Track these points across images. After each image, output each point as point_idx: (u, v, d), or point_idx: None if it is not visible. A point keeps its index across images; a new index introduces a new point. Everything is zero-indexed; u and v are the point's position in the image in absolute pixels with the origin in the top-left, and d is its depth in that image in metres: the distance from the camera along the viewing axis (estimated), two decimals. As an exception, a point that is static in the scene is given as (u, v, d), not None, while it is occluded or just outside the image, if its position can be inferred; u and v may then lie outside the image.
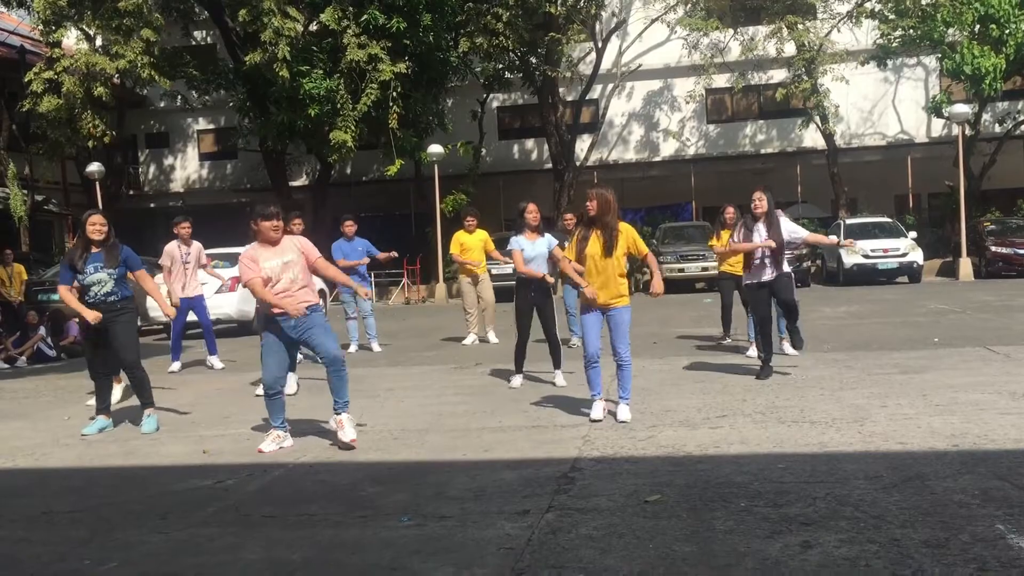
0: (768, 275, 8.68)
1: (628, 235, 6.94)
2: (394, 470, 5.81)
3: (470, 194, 27.57)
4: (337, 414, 6.64)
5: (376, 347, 12.72)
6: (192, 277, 11.48)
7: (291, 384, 9.12)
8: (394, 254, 13.16)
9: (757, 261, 8.68)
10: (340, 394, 6.61)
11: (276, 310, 6.48)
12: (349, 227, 12.59)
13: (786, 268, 8.80)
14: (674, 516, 4.49)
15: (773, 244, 8.60)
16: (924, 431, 6.03)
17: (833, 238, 8.91)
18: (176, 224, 11.54)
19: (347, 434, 6.52)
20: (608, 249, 6.81)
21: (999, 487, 4.70)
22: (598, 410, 7.00)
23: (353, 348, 12.42)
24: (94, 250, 7.46)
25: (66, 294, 7.48)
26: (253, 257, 6.56)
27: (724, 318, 11.64)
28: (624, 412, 6.90)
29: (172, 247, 11.43)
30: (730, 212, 11.09)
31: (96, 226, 7.47)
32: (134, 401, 8.00)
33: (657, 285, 7.08)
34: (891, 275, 23.33)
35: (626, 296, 6.93)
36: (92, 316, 7.32)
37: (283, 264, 6.51)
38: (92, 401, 7.98)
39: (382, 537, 4.44)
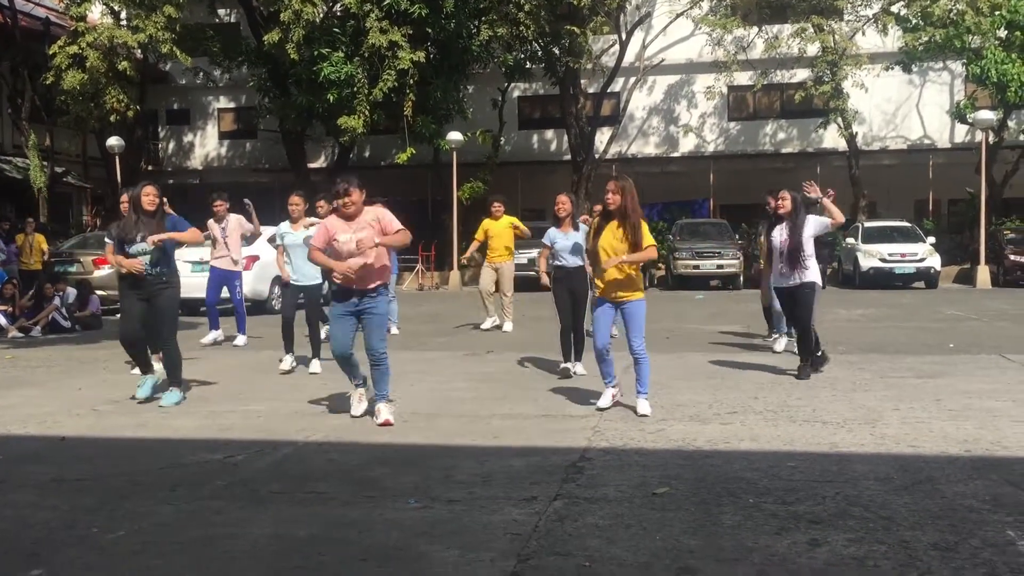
0: (791, 280, 8.40)
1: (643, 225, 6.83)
2: (403, 452, 5.82)
3: (488, 183, 27.53)
4: (376, 403, 6.70)
5: (395, 330, 12.73)
6: (234, 251, 11.54)
7: (315, 365, 9.17)
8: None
9: (778, 265, 8.48)
10: (378, 387, 6.69)
11: (337, 278, 6.53)
12: None
13: (811, 276, 8.38)
14: (682, 509, 4.48)
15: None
16: (937, 435, 5.99)
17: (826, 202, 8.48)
18: (212, 202, 11.60)
19: (380, 417, 6.58)
20: (624, 241, 6.73)
21: (1011, 493, 4.66)
22: (606, 398, 6.97)
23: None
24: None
25: (110, 253, 8.02)
26: (329, 227, 6.68)
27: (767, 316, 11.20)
28: (644, 406, 6.80)
29: (210, 224, 11.55)
30: None
31: (150, 196, 7.55)
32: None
33: (610, 263, 6.69)
34: (908, 280, 23.18)
35: (640, 290, 6.88)
36: (129, 264, 7.40)
37: (356, 240, 6.48)
38: (136, 371, 8.15)
39: (389, 518, 4.44)
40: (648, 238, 6.82)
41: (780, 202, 8.48)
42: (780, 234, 8.47)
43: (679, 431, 6.24)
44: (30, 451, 6.06)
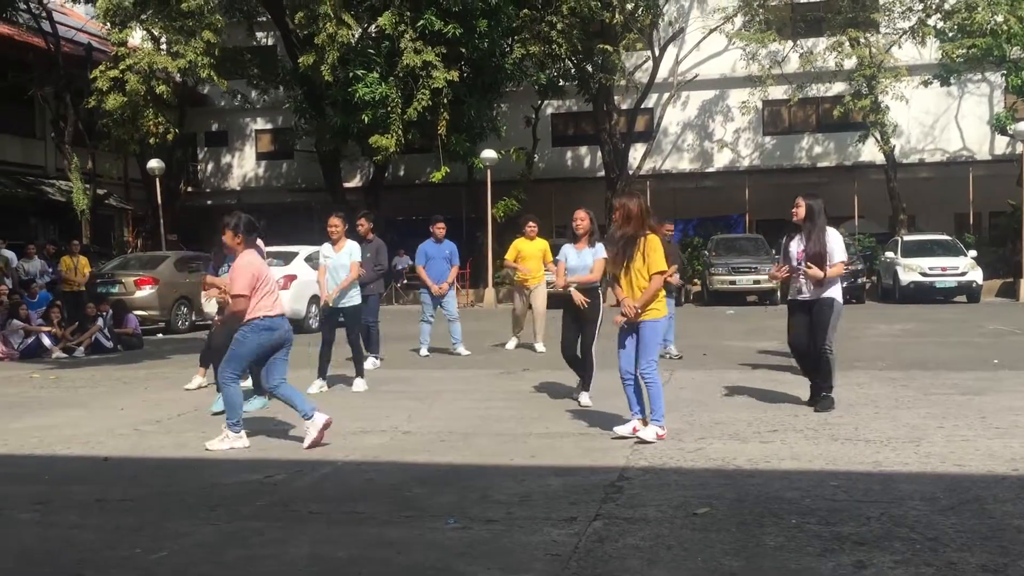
0: (806, 293, 7.59)
1: (650, 246, 6.42)
2: (440, 472, 5.82)
3: (522, 200, 27.57)
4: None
5: (463, 351, 12.52)
6: None
7: (359, 384, 9.49)
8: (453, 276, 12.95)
9: (794, 276, 7.70)
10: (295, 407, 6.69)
11: None
12: (440, 229, 12.53)
13: (831, 292, 7.50)
14: (723, 530, 4.43)
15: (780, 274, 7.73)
16: (983, 454, 5.87)
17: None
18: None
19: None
20: (631, 261, 6.43)
21: (1062, 514, 4.56)
22: (625, 428, 6.55)
23: (423, 352, 12.40)
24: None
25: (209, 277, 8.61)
26: None
27: None
28: (649, 433, 6.41)
29: None
30: None
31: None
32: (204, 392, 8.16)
33: (628, 308, 6.38)
34: (949, 294, 22.83)
35: (655, 310, 6.47)
36: (213, 292, 8.02)
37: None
38: (194, 384, 9.22)
39: (428, 538, 4.44)
40: (657, 263, 6.37)
41: (794, 209, 7.66)
42: (797, 245, 7.66)
43: (718, 450, 6.18)
44: (74, 471, 6.14)
